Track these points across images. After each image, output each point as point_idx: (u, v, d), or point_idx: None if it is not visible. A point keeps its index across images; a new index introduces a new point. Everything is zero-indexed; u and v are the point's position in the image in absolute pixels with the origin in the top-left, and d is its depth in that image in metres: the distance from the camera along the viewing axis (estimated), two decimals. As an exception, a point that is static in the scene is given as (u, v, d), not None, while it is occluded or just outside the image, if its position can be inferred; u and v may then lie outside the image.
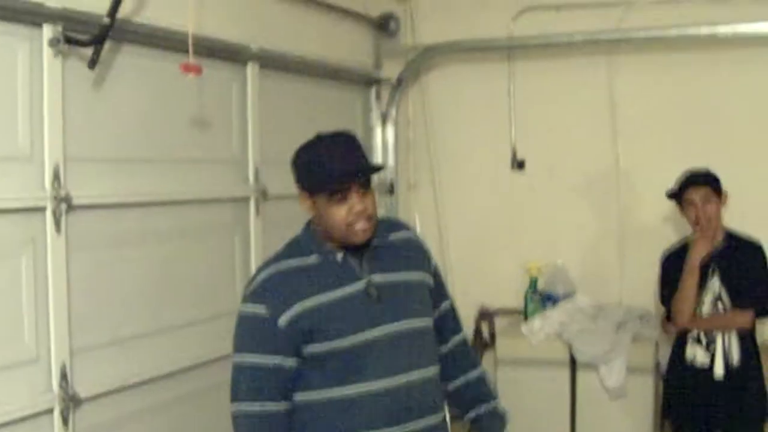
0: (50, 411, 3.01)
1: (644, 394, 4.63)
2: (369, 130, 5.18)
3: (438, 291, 3.06)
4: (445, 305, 3.10)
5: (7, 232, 2.87)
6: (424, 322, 2.91)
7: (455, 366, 3.10)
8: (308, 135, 4.39)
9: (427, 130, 5.40)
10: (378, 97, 5.25)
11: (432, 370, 2.90)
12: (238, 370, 2.78)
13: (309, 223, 2.91)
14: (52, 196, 2.98)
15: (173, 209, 3.60)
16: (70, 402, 3.05)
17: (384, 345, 2.77)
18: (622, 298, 5.03)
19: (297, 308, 2.73)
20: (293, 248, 2.89)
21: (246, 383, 2.77)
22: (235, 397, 2.77)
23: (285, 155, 4.17)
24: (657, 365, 4.66)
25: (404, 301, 2.86)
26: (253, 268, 3.94)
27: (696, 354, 4.13)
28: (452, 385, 3.10)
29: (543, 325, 4.80)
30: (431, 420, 2.87)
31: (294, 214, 4.22)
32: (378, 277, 2.82)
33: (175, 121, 3.61)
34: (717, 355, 4.09)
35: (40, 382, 2.99)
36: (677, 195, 4.17)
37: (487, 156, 5.33)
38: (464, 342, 3.16)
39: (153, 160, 3.49)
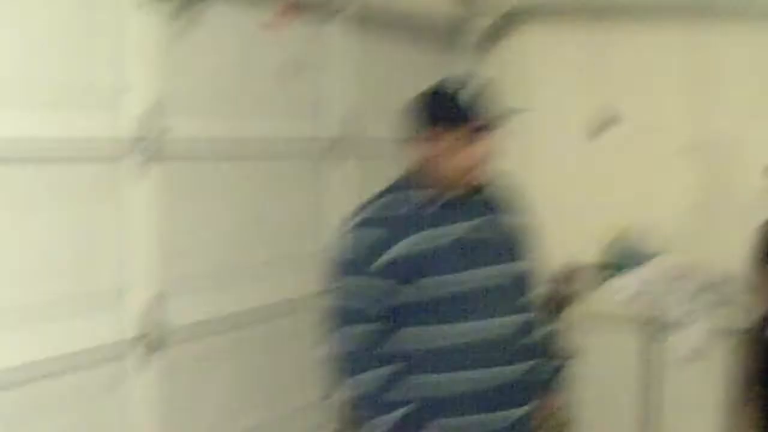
0: (133, 349, 3.09)
1: (724, 357, 4.59)
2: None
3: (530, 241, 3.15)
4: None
5: (95, 176, 2.95)
6: (525, 266, 3.01)
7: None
8: (391, 85, 4.46)
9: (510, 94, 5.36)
10: (464, 55, 5.23)
11: (531, 317, 2.97)
12: (346, 295, 2.87)
13: (406, 172, 2.97)
14: (138, 144, 3.03)
15: (257, 153, 3.66)
16: (153, 339, 3.13)
17: (488, 287, 2.85)
18: (707, 261, 4.97)
19: (401, 246, 2.81)
20: (397, 188, 2.97)
21: (351, 307, 2.85)
22: (338, 320, 2.87)
23: (372, 103, 4.26)
24: (738, 330, 4.61)
25: (509, 245, 2.96)
26: (333, 216, 4.02)
27: None
28: None
29: (628, 283, 4.79)
30: (529, 365, 2.93)
31: (377, 161, 4.30)
32: (484, 220, 2.91)
33: (264, 70, 3.65)
34: None
35: (124, 322, 3.07)
36: None
37: (573, 115, 5.28)
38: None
39: (238, 110, 3.54)
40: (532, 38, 5.35)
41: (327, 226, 4.00)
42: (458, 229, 2.87)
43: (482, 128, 2.80)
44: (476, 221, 2.90)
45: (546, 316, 3.23)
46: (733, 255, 4.64)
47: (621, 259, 5.04)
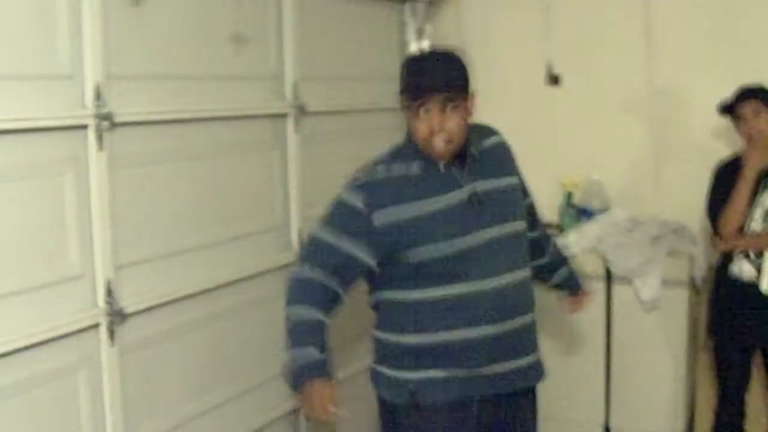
0: (96, 326, 3.07)
1: (679, 307, 4.63)
2: (404, 46, 5.13)
3: (526, 195, 3.27)
4: (528, 201, 3.28)
5: (50, 150, 2.90)
6: (520, 225, 3.07)
7: (540, 248, 3.37)
8: (344, 50, 4.43)
9: (462, 45, 5.36)
10: (413, 12, 5.19)
11: (526, 272, 3.07)
12: (313, 241, 2.99)
13: (406, 137, 3.02)
14: (94, 114, 3.00)
15: (213, 126, 3.61)
16: (116, 317, 3.11)
17: (484, 249, 2.92)
18: (657, 212, 5.01)
19: (395, 211, 2.88)
20: (397, 154, 3.01)
21: (313, 253, 2.97)
22: (300, 260, 3.00)
23: (322, 71, 4.23)
24: (692, 279, 4.67)
25: (502, 206, 3.01)
26: (292, 185, 4.00)
27: (742, 268, 4.12)
28: (537, 263, 3.33)
29: (579, 238, 4.80)
30: (526, 319, 3.04)
31: (332, 130, 4.27)
32: (480, 185, 2.95)
33: (214, 38, 3.60)
34: (765, 269, 4.08)
35: (86, 298, 3.04)
36: (730, 109, 4.14)
37: (522, 71, 5.29)
38: (553, 241, 3.51)
39: (193, 77, 3.49)
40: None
41: (284, 195, 3.99)
42: (451, 196, 2.93)
43: (423, 104, 2.85)
44: (470, 185, 2.94)
45: (549, 244, 3.47)
46: (684, 204, 4.70)
47: (570, 216, 5.06)
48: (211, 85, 3.58)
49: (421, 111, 2.85)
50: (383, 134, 4.61)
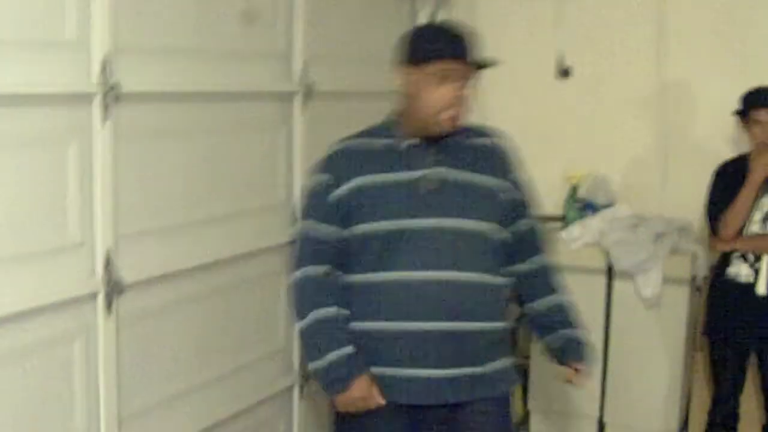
0: (94, 296, 3.06)
1: (679, 304, 4.63)
2: (415, 32, 5.12)
3: (517, 207, 3.01)
4: (524, 224, 3.04)
5: (55, 119, 2.88)
6: (480, 226, 2.87)
7: (532, 289, 3.07)
8: (355, 34, 4.41)
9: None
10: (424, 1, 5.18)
11: (483, 278, 2.87)
12: (300, 238, 2.96)
13: (392, 112, 2.95)
14: (101, 84, 2.99)
15: (219, 102, 3.59)
16: (114, 287, 3.10)
17: (429, 237, 2.80)
18: (662, 210, 5.00)
19: (353, 183, 2.82)
20: (368, 130, 2.97)
21: (304, 251, 2.93)
22: (296, 262, 2.95)
23: (332, 51, 4.22)
24: (693, 277, 4.67)
25: (462, 201, 2.85)
26: (297, 165, 3.99)
27: (740, 270, 4.13)
28: (528, 308, 3.09)
29: (582, 232, 4.80)
30: (473, 327, 2.86)
31: (340, 111, 4.27)
32: (442, 171, 2.83)
33: (224, 13, 3.58)
34: (762, 271, 4.08)
35: (85, 268, 3.04)
36: (743, 112, 4.12)
37: (533, 62, 5.27)
38: (545, 266, 3.10)
39: (201, 52, 3.47)
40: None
41: (288, 175, 3.98)
42: (408, 176, 2.84)
43: (453, 70, 2.75)
44: (433, 169, 2.84)
45: (547, 285, 3.10)
46: (689, 203, 4.69)
47: (575, 209, 5.05)
48: (219, 61, 3.56)
49: (445, 76, 2.75)
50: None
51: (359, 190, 2.82)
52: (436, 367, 2.84)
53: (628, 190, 5.13)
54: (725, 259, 4.20)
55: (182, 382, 3.53)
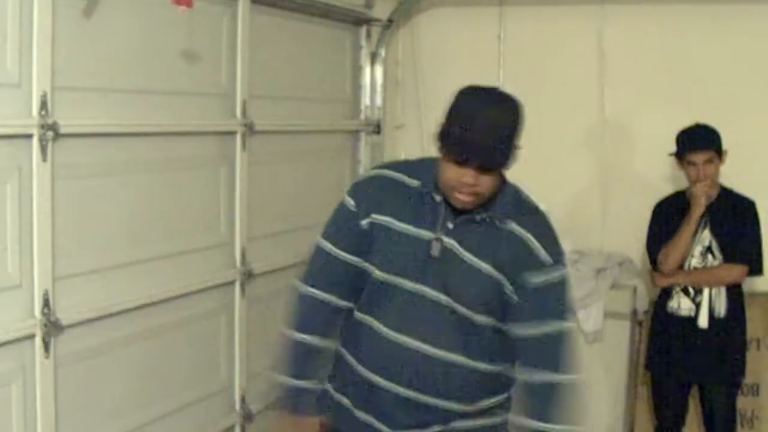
0: (32, 337, 3.02)
1: (620, 338, 4.67)
2: (358, 69, 5.16)
3: (524, 311, 2.72)
4: (529, 332, 2.72)
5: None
6: (469, 313, 2.71)
7: (523, 402, 2.81)
8: (297, 71, 4.42)
9: (415, 71, 5.39)
10: (368, 36, 5.20)
11: (459, 358, 2.72)
12: (315, 250, 2.88)
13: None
14: (39, 124, 2.97)
15: (160, 141, 3.58)
16: (52, 328, 3.07)
17: (409, 301, 2.72)
18: (602, 245, 5.04)
19: (375, 218, 2.75)
20: (410, 164, 2.86)
21: (313, 265, 2.88)
22: (304, 273, 2.89)
23: (273, 91, 4.23)
24: (634, 311, 4.70)
25: (457, 280, 2.70)
26: (238, 203, 3.98)
27: (681, 304, 4.17)
28: (512, 416, 2.87)
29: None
30: (432, 401, 2.75)
31: (280, 150, 4.27)
32: (452, 243, 2.69)
33: (165, 53, 3.58)
34: (702, 304, 4.13)
35: (23, 308, 3.00)
36: (678, 153, 4.18)
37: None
38: (546, 384, 2.72)
39: (141, 91, 3.47)
40: (436, 18, 5.38)
41: (230, 213, 3.97)
42: (424, 234, 2.70)
43: (459, 160, 2.58)
44: (445, 238, 2.68)
45: (537, 407, 2.72)
46: (629, 238, 4.74)
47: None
48: (160, 100, 3.56)
49: (454, 162, 2.58)
50: (331, 156, 4.61)
51: (379, 228, 2.74)
52: (388, 425, 2.79)
53: (568, 226, 5.15)
54: (667, 293, 4.25)
55: (122, 423, 3.49)
